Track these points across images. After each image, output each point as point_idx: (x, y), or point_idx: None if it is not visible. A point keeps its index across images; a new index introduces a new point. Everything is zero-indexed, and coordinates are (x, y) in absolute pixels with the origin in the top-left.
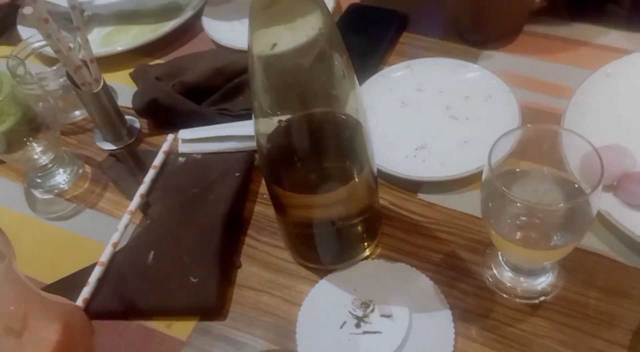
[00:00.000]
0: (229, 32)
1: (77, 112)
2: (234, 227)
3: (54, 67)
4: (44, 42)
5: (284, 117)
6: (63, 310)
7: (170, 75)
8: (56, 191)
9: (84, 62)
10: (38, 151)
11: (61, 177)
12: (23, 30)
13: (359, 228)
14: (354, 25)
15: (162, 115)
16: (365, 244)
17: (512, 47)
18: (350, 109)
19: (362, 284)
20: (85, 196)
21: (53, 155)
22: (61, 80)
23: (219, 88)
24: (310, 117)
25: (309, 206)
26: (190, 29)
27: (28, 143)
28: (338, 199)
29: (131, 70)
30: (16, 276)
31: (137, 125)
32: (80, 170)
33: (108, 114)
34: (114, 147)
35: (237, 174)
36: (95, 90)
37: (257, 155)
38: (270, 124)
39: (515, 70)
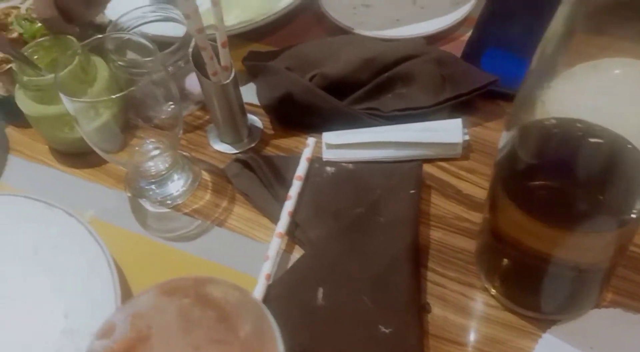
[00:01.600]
0: (352, 16)
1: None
2: (418, 259)
3: (150, 58)
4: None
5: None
6: None
7: (301, 67)
8: (169, 202)
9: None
10: (153, 154)
11: (174, 186)
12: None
13: (604, 274)
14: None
15: (296, 113)
16: (600, 290)
17: None
18: None
19: (600, 341)
20: (209, 210)
21: (171, 160)
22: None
23: (365, 83)
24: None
25: (559, 245)
26: (304, 10)
27: (139, 142)
28: (603, 242)
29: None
30: None
31: (259, 124)
32: (198, 179)
33: (232, 111)
34: (234, 151)
35: (412, 191)
36: (225, 82)
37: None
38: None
39: None
